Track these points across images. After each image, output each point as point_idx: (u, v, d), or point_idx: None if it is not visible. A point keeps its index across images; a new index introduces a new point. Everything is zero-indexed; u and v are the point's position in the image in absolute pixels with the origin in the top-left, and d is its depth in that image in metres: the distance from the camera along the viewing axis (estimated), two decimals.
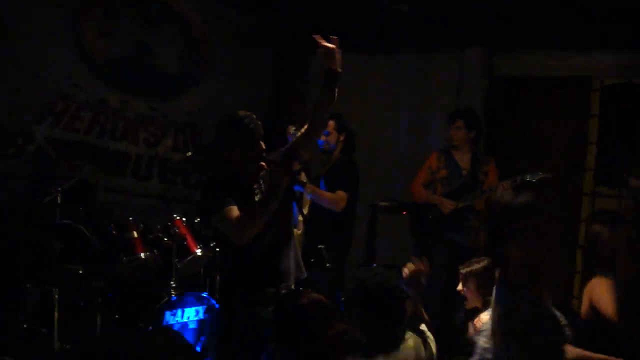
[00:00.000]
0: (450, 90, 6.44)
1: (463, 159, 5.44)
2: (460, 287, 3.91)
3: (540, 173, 4.88)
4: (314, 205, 5.02)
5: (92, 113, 5.72)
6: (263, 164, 3.42)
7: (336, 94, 3.48)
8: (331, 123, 5.13)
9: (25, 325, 4.59)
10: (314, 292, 2.76)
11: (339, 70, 3.47)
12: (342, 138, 5.19)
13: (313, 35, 3.47)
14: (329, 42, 3.47)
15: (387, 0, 6.12)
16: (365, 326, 2.96)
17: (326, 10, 6.49)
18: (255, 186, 3.53)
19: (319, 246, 3.59)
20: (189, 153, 5.57)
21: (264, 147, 3.45)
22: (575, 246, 6.23)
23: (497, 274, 3.13)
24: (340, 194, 5.04)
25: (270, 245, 3.51)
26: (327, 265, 3.60)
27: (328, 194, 5.03)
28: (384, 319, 2.97)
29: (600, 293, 3.45)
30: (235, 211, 3.33)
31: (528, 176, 4.86)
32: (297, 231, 4.89)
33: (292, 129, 4.77)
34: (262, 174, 3.54)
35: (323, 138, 5.08)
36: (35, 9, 5.38)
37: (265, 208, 3.30)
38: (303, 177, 4.82)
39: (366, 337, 2.95)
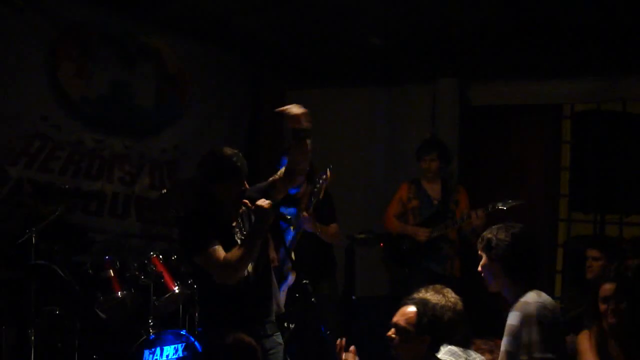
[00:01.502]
0: (424, 121, 6.51)
1: (433, 188, 5.50)
2: None
3: (511, 201, 4.93)
4: (300, 241, 5.01)
5: (67, 153, 5.71)
6: (246, 201, 3.43)
7: (308, 147, 3.50)
8: None
9: None
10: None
11: (305, 125, 3.49)
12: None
13: (275, 110, 3.50)
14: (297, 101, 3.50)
15: (361, 34, 6.21)
16: None
17: (301, 46, 6.57)
18: (234, 224, 3.55)
19: (304, 281, 3.59)
20: (164, 190, 5.57)
21: (246, 185, 3.47)
22: (554, 272, 6.27)
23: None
24: (336, 226, 5.09)
25: (252, 281, 3.52)
26: (313, 300, 3.59)
27: (332, 228, 5.07)
28: None
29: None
30: (221, 251, 3.33)
31: (500, 204, 4.91)
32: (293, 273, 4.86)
33: None
34: (241, 211, 3.56)
35: None
36: (11, 48, 5.40)
37: (253, 246, 3.33)
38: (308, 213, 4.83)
39: None
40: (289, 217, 3.62)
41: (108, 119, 5.98)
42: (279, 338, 3.64)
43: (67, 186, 5.40)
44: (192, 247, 3.42)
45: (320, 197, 4.68)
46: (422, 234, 5.34)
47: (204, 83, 6.67)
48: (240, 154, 3.50)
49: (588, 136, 5.51)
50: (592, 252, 4.66)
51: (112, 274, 4.87)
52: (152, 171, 6.27)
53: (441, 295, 3.06)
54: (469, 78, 6.43)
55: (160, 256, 5.05)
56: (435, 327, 3.00)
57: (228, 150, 3.48)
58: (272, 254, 4.82)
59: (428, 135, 6.13)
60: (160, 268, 4.97)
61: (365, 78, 6.72)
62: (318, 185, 4.65)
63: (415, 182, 5.58)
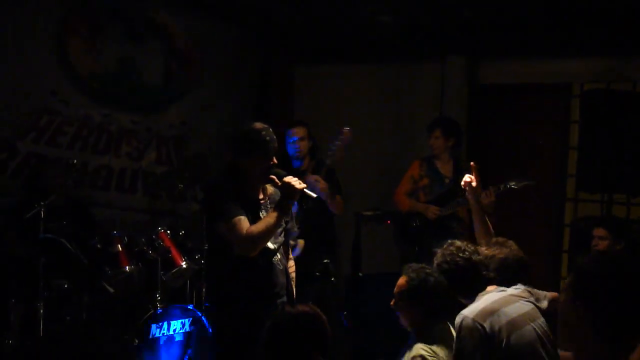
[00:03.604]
0: (433, 99, 6.49)
1: (445, 167, 5.48)
2: None
3: (524, 180, 4.90)
4: (307, 216, 4.99)
5: (75, 127, 5.74)
6: (273, 177, 3.48)
7: (287, 208, 3.49)
8: (303, 130, 5.20)
9: (10, 341, 4.60)
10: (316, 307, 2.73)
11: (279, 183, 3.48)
12: (311, 145, 5.24)
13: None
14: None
15: (370, 12, 6.17)
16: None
17: (310, 23, 6.54)
18: (260, 198, 3.59)
19: (325, 260, 3.57)
20: (171, 166, 5.60)
21: (275, 161, 3.52)
22: (560, 251, 6.28)
23: None
24: (339, 198, 5.12)
25: (273, 258, 3.59)
26: (332, 279, 3.58)
27: (338, 198, 5.11)
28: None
29: None
30: (245, 223, 3.39)
31: (512, 183, 4.88)
32: (301, 241, 4.96)
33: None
34: (271, 192, 3.62)
35: (295, 147, 5.16)
36: (20, 24, 5.41)
37: (276, 222, 3.39)
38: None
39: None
40: (314, 195, 3.63)
41: (116, 95, 6.01)
42: None
43: (74, 161, 5.43)
44: (218, 213, 3.44)
45: (337, 158, 4.69)
46: (432, 211, 5.34)
47: (211, 59, 6.65)
48: (271, 129, 3.52)
49: (597, 116, 5.47)
50: (599, 232, 4.66)
51: (120, 249, 4.90)
52: (159, 146, 6.29)
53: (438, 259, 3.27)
54: (478, 56, 6.38)
55: (168, 231, 5.08)
56: (422, 294, 3.17)
57: (258, 125, 3.52)
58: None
59: (437, 114, 6.13)
60: (168, 243, 4.99)
61: (374, 55, 6.68)
62: (334, 147, 4.67)
63: (427, 160, 5.56)
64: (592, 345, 1.98)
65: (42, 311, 4.49)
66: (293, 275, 3.87)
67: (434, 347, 3.09)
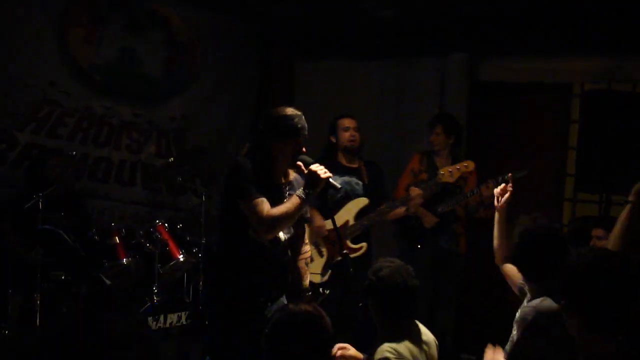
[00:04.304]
0: (433, 95, 6.48)
1: (443, 163, 5.47)
2: None
3: (522, 170, 4.82)
4: None
5: (75, 119, 5.73)
6: (300, 163, 3.51)
7: (310, 196, 3.49)
8: (354, 122, 5.29)
9: (7, 332, 4.62)
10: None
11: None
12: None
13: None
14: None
15: (371, 7, 6.15)
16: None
17: (311, 17, 6.52)
18: (283, 183, 3.61)
19: (344, 251, 3.52)
20: (171, 159, 5.60)
21: (304, 149, 3.54)
22: None
23: None
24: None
25: (282, 249, 3.62)
26: (350, 270, 3.51)
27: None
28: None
29: None
30: (267, 204, 3.40)
31: (510, 174, 4.79)
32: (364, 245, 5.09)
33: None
34: (292, 178, 3.65)
35: (351, 135, 5.25)
36: (20, 15, 5.40)
37: (297, 208, 3.41)
38: None
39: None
40: (339, 186, 3.63)
41: (117, 86, 6.00)
42: (285, 299, 3.70)
43: (74, 152, 5.43)
44: (241, 192, 3.44)
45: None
46: (429, 222, 5.31)
47: (212, 52, 6.65)
48: (303, 116, 3.55)
49: (597, 116, 5.46)
50: (598, 232, 4.65)
51: (118, 241, 4.93)
52: (159, 139, 6.29)
53: None
54: (479, 53, 6.36)
55: (166, 224, 5.09)
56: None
57: (289, 110, 3.55)
58: (319, 222, 4.98)
59: (437, 110, 6.12)
60: (166, 236, 5.01)
61: (374, 51, 6.67)
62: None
63: (427, 155, 5.55)
64: (584, 336, 2.24)
65: (39, 302, 4.50)
66: (309, 259, 3.90)
67: (400, 346, 3.06)
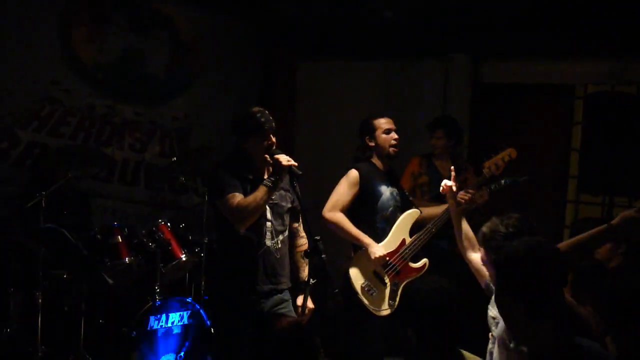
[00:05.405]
0: (435, 97, 6.48)
1: (443, 166, 5.46)
2: None
3: (517, 177, 4.81)
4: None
5: (78, 118, 5.73)
6: (266, 155, 3.70)
7: (275, 183, 3.67)
8: (392, 122, 4.85)
9: (8, 330, 4.61)
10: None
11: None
12: None
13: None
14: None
15: (373, 8, 6.16)
16: None
17: (314, 18, 6.53)
18: (265, 177, 3.75)
19: (315, 237, 3.45)
20: (174, 159, 5.60)
21: (273, 140, 3.73)
22: None
23: None
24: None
25: (270, 248, 3.78)
26: (323, 256, 3.41)
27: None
28: None
29: None
30: (239, 197, 3.63)
31: (503, 181, 4.77)
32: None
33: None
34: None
35: (395, 139, 4.75)
36: (24, 13, 5.40)
37: (264, 195, 3.60)
38: None
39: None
40: (300, 173, 3.69)
41: (120, 86, 6.00)
42: (286, 295, 3.88)
43: (78, 150, 5.43)
44: (216, 192, 3.73)
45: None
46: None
47: (215, 52, 6.66)
48: (267, 111, 3.77)
49: (600, 118, 5.46)
50: None
51: (120, 240, 4.90)
52: (163, 139, 6.29)
53: None
54: (482, 55, 6.37)
55: (168, 224, 5.07)
56: None
57: (254, 109, 3.79)
58: (379, 252, 4.42)
59: (440, 112, 6.11)
60: (168, 235, 4.99)
61: (377, 52, 6.67)
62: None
63: (427, 158, 5.55)
64: (521, 320, 2.31)
65: (40, 300, 4.49)
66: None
67: None
